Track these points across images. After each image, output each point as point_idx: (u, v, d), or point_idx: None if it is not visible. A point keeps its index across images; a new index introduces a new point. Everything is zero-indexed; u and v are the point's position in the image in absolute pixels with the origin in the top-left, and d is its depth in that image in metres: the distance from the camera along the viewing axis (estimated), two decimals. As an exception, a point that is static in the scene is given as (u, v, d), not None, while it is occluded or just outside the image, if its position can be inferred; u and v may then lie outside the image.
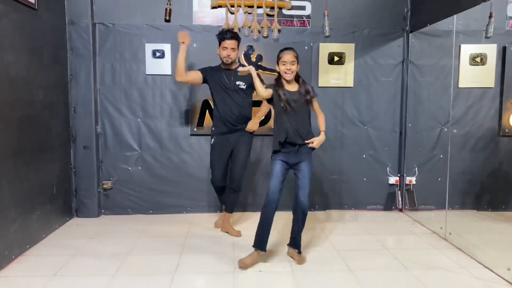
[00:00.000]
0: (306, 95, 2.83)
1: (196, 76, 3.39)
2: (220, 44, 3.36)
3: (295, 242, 2.95)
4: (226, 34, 3.31)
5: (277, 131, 2.85)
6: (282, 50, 2.84)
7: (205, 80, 3.42)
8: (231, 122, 3.38)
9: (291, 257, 2.99)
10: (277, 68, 2.88)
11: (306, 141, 2.82)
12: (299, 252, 2.94)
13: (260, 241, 2.88)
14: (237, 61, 3.49)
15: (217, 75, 3.41)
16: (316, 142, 2.84)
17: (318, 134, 2.90)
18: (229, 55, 3.33)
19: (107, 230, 3.66)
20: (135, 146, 4.09)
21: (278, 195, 2.81)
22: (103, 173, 4.07)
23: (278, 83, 2.87)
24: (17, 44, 3.02)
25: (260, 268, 2.83)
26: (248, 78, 3.33)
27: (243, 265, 2.82)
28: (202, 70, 3.43)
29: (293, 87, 2.86)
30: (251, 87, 3.37)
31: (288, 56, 2.79)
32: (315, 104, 2.93)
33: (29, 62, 3.18)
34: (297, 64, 2.83)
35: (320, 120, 2.95)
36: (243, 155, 3.44)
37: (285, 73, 2.80)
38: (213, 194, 3.97)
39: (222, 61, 3.39)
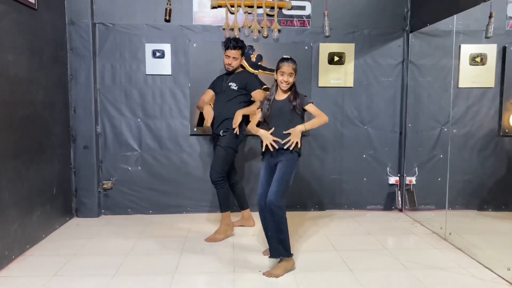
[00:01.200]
0: (291, 103, 2.82)
1: (211, 96, 3.56)
2: (224, 51, 3.43)
3: (274, 248, 2.75)
4: (230, 42, 3.36)
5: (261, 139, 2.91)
6: (282, 60, 2.83)
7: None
8: (217, 123, 3.42)
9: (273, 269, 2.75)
10: (275, 76, 2.89)
11: (284, 142, 2.76)
12: (282, 257, 2.73)
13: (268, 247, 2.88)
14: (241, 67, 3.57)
15: (220, 79, 3.55)
16: (291, 135, 2.74)
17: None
18: (230, 64, 3.39)
19: (107, 230, 3.66)
20: (135, 146, 4.09)
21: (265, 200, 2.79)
22: (103, 173, 4.07)
23: (272, 91, 2.91)
24: (17, 44, 3.02)
25: (260, 268, 2.82)
26: (241, 81, 3.40)
27: (266, 253, 2.96)
28: (211, 84, 3.61)
29: (283, 96, 2.88)
30: (243, 88, 3.41)
31: (287, 68, 2.79)
32: (312, 110, 2.86)
33: (29, 62, 3.18)
34: (295, 75, 2.85)
35: (315, 119, 2.85)
36: (217, 154, 3.40)
37: (281, 83, 2.83)
38: (213, 194, 3.97)
39: (224, 68, 3.47)
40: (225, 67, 3.44)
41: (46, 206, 3.43)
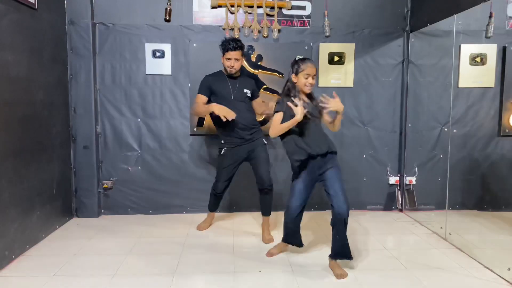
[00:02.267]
0: (319, 107, 2.76)
1: (205, 102, 3.31)
2: (223, 54, 3.27)
3: (342, 252, 2.72)
4: (229, 44, 3.21)
5: (294, 149, 2.73)
6: (303, 61, 2.71)
7: (210, 93, 3.34)
8: (243, 133, 3.29)
9: (331, 269, 2.76)
10: (293, 79, 2.73)
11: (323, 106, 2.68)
12: (351, 258, 2.73)
13: (291, 238, 2.99)
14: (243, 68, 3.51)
15: (221, 84, 3.32)
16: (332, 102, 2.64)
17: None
18: (232, 66, 3.25)
19: (107, 230, 3.66)
20: (135, 146, 4.09)
21: (299, 213, 2.82)
22: (103, 173, 4.07)
23: (292, 95, 2.73)
24: (17, 44, 3.02)
25: (260, 268, 2.83)
26: (251, 86, 3.37)
27: (269, 254, 3.01)
28: (204, 90, 3.32)
29: (306, 99, 2.80)
30: (253, 93, 3.43)
31: (311, 69, 2.68)
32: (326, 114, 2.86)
33: (29, 62, 3.18)
34: None
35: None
36: (264, 157, 3.36)
37: (306, 86, 2.70)
38: (213, 194, 3.97)
39: (226, 71, 3.33)
40: (226, 70, 3.30)
41: (46, 206, 3.43)
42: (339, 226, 2.65)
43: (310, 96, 2.82)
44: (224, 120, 3.12)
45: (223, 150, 3.37)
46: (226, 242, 3.34)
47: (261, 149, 3.37)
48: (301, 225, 2.95)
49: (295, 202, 2.76)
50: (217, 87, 3.31)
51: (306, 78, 2.69)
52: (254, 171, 3.39)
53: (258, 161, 3.34)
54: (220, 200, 3.62)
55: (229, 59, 3.25)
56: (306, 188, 2.75)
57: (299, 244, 3.02)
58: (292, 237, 3.00)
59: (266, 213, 3.46)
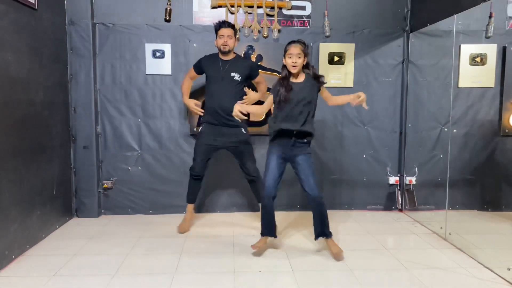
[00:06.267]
0: (317, 80, 2.89)
1: (193, 76, 3.59)
2: (216, 35, 3.39)
3: (322, 231, 2.98)
4: (222, 22, 3.36)
5: (273, 119, 2.96)
6: (289, 43, 2.87)
7: (201, 71, 3.52)
8: (221, 114, 3.39)
9: (330, 251, 3.01)
10: (283, 61, 2.89)
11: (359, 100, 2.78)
12: (328, 236, 2.99)
13: (267, 229, 3.04)
14: (234, 52, 3.50)
15: (213, 63, 3.46)
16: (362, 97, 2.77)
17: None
18: (225, 42, 3.34)
19: (107, 230, 3.66)
20: (135, 146, 4.09)
21: (275, 189, 2.91)
22: (103, 173, 4.07)
23: (285, 75, 2.89)
24: (17, 44, 3.02)
25: (260, 268, 2.83)
26: (243, 70, 3.40)
27: (256, 249, 3.02)
28: (196, 65, 3.55)
29: (299, 79, 2.91)
30: (246, 79, 3.44)
31: (294, 49, 2.81)
32: (326, 92, 2.97)
33: (29, 62, 3.18)
34: (304, 57, 2.85)
35: (340, 97, 2.99)
36: (247, 151, 3.49)
37: (291, 66, 2.83)
38: (213, 194, 3.97)
39: (220, 50, 3.41)
40: (220, 48, 3.38)
41: (46, 206, 3.43)
42: (314, 208, 2.91)
43: (309, 72, 2.93)
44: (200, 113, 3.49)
45: (201, 127, 3.57)
46: (226, 242, 3.33)
47: (242, 142, 3.45)
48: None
49: (269, 177, 2.90)
50: (208, 68, 3.47)
51: (290, 58, 2.82)
52: (239, 163, 3.54)
53: (242, 156, 3.48)
54: (198, 187, 3.60)
55: (222, 35, 3.34)
56: (277, 165, 2.92)
57: (274, 235, 3.08)
58: (269, 230, 3.04)
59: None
